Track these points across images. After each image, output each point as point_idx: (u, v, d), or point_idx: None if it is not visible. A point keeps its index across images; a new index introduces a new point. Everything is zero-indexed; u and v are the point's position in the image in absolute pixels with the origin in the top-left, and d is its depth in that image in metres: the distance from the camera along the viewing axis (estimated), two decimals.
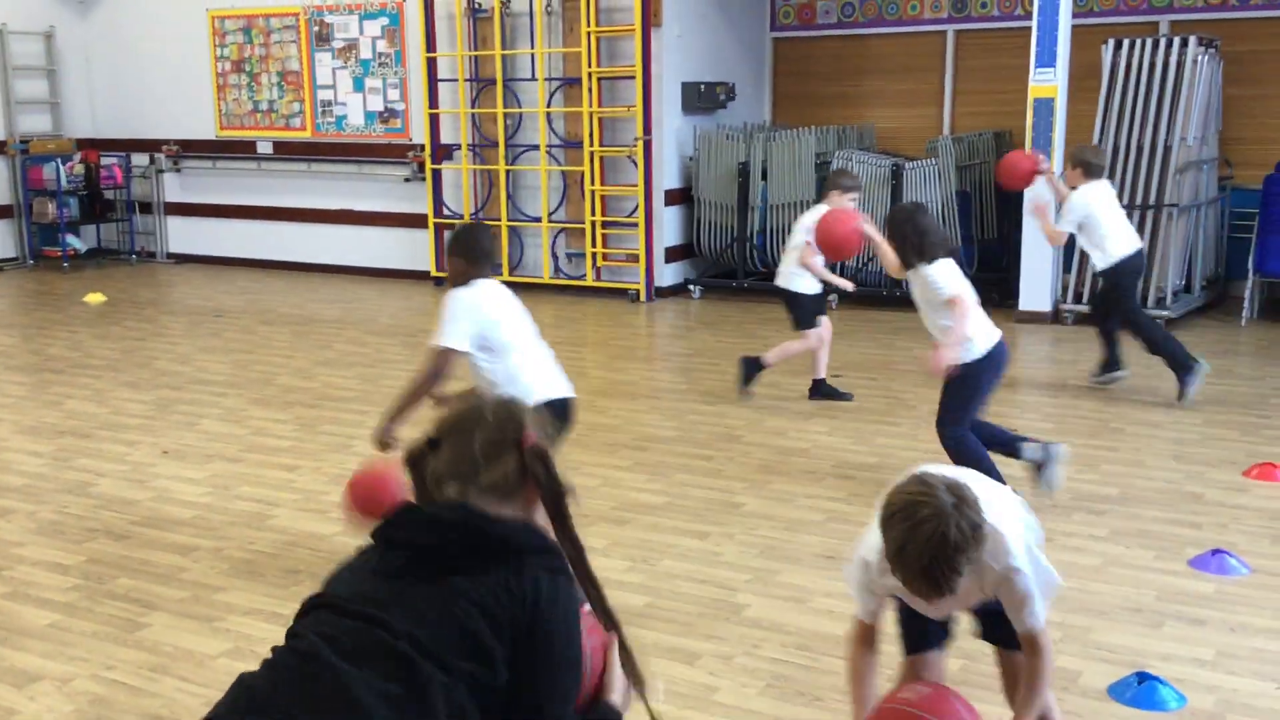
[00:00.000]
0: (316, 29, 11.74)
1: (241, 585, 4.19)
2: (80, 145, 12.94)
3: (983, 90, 10.39)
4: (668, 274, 10.41)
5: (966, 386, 4.68)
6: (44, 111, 12.91)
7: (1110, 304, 6.71)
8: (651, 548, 4.55)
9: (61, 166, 12.35)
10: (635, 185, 10.10)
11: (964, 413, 4.72)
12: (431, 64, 10.95)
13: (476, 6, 10.74)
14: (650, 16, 9.84)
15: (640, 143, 9.96)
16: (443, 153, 11.18)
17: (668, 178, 10.28)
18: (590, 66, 10.09)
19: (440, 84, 11.07)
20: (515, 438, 2.00)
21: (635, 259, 10.24)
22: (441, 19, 10.95)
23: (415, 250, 11.53)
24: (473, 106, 10.93)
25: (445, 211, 11.22)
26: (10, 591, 4.14)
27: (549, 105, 10.58)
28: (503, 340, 4.08)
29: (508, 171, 10.84)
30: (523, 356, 4.11)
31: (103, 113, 13.22)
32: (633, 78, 9.96)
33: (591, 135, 10.21)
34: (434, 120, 11.08)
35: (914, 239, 4.65)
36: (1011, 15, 10.20)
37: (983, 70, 10.40)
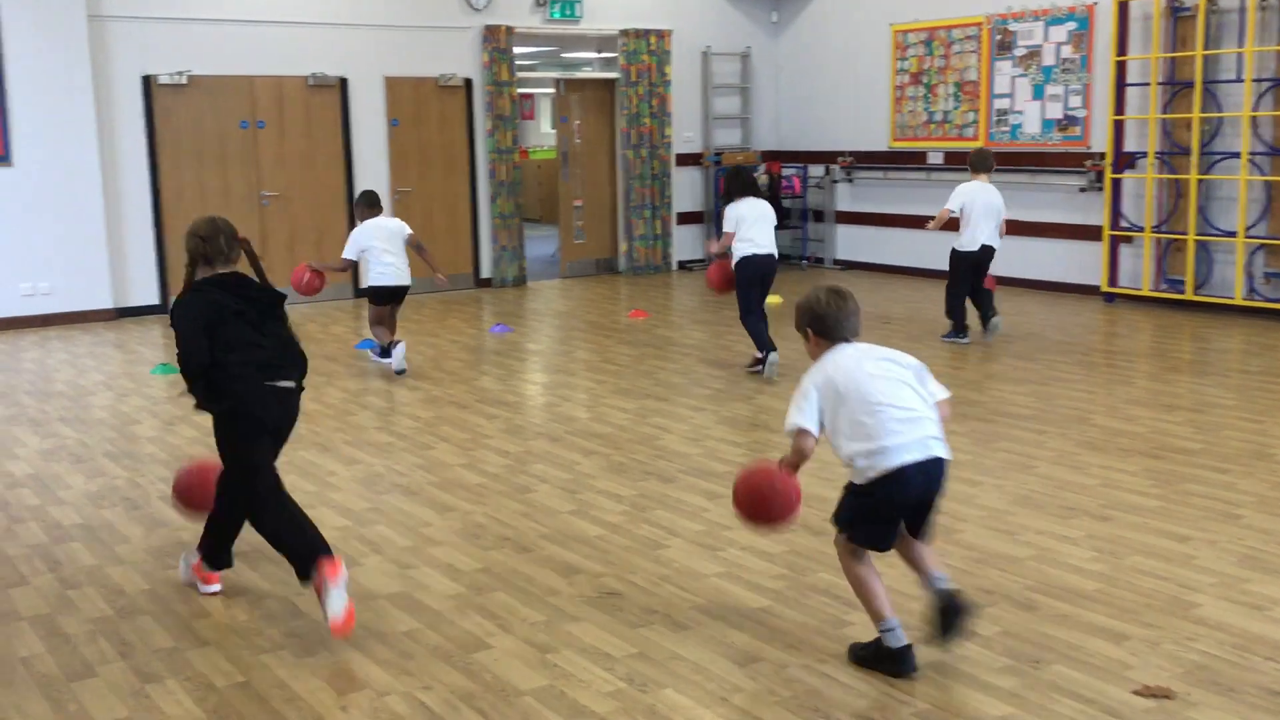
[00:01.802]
0: (999, 37, 11.61)
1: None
2: (765, 157, 13.94)
3: None
4: None
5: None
6: (736, 126, 14.07)
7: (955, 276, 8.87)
8: (1124, 544, 4.71)
9: None
10: None
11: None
12: (1120, 68, 10.38)
13: (1178, 5, 9.98)
14: None
15: None
16: (1125, 161, 10.56)
17: None
18: None
19: (1128, 89, 10.46)
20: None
21: None
22: (1136, 20, 10.33)
23: (1086, 263, 11.02)
24: (1164, 111, 10.20)
25: (1123, 223, 10.59)
26: (725, 572, 4.49)
27: (1255, 109, 9.57)
28: None
29: (1199, 181, 9.97)
30: None
31: (786, 126, 14.13)
32: None
33: None
34: (1118, 127, 10.50)
35: None
36: None
37: None
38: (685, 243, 13.91)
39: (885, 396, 3.53)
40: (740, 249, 7.72)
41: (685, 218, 13.84)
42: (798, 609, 4.12)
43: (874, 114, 12.96)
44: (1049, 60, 11.20)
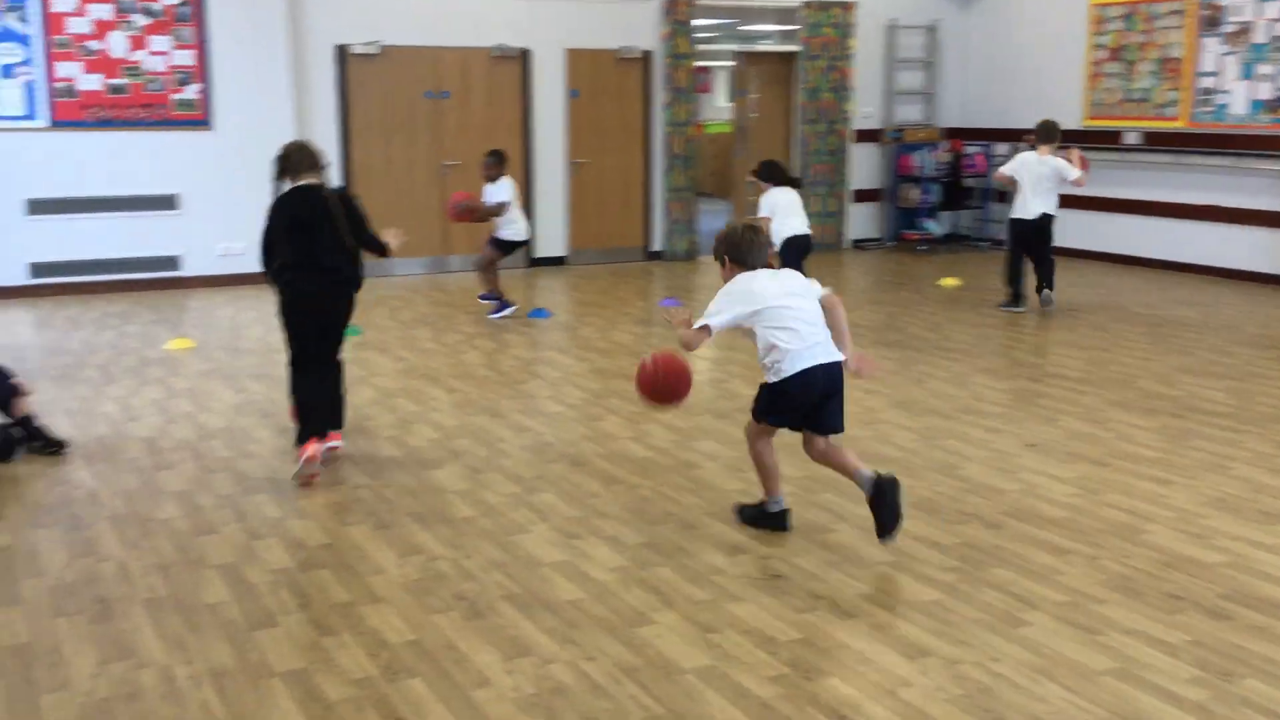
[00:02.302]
0: (1206, 13, 10.98)
1: (1120, 601, 4.00)
2: (947, 134, 13.54)
3: None
4: None
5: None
6: (918, 102, 13.71)
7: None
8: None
9: (929, 154, 13.03)
10: None
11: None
12: None
13: None
14: None
15: None
16: None
17: None
18: None
19: None
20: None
21: None
22: None
23: None
24: None
25: None
26: (895, 561, 4.38)
27: None
28: None
29: None
30: None
31: (971, 102, 13.69)
32: None
33: None
34: None
35: None
36: None
37: None
38: (861, 221, 13.64)
39: (796, 311, 4.39)
40: (780, 230, 8.41)
41: (862, 195, 13.57)
42: (971, 603, 3.99)
43: (1067, 91, 12.43)
44: (1260, 37, 10.52)
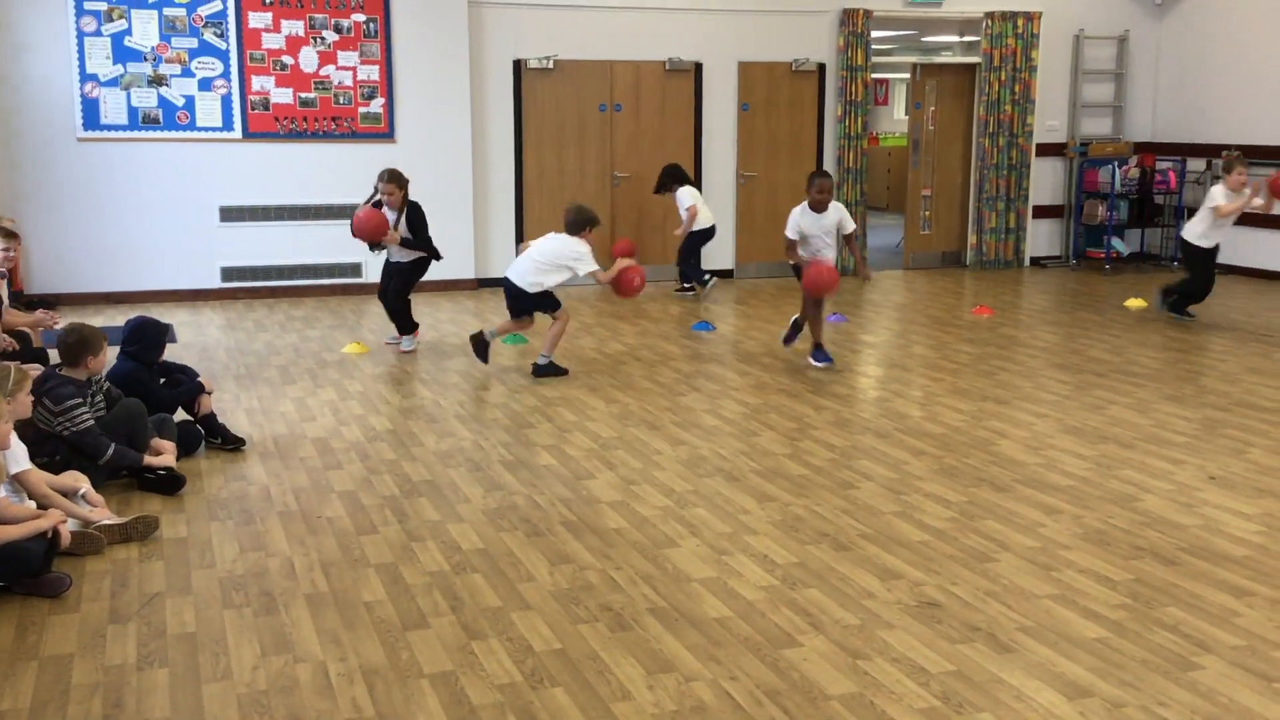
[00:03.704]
0: None
1: None
2: (1137, 149, 12.97)
3: None
4: None
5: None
6: (1106, 115, 13.17)
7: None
8: None
9: (1117, 169, 12.50)
10: None
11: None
12: None
13: None
14: None
15: None
16: None
17: None
18: None
19: None
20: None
21: None
22: None
23: None
24: None
25: None
26: (1059, 594, 4.18)
27: None
28: None
29: None
30: None
31: (1163, 116, 13.09)
32: None
33: None
34: None
35: None
36: None
37: None
38: (1041, 238, 13.18)
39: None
40: (705, 219, 10.75)
41: (1042, 211, 13.11)
42: (1139, 643, 3.77)
43: (1268, 104, 11.75)
44: None
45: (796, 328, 8.29)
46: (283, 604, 4.12)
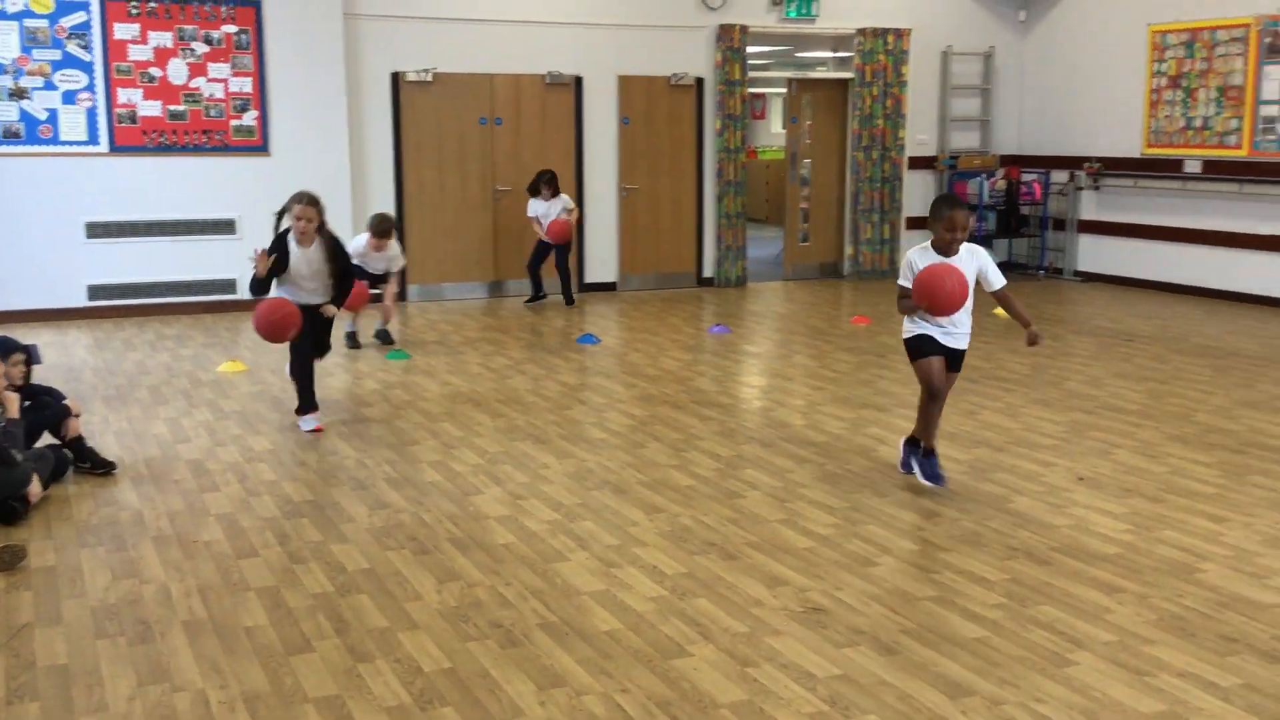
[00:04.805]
0: (1269, 40, 10.78)
1: (1171, 642, 3.88)
2: (1004, 161, 13.40)
3: None
4: None
5: None
6: (974, 129, 13.58)
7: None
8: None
9: (985, 182, 12.89)
10: None
11: None
12: None
13: None
14: None
15: None
16: None
17: None
18: None
19: None
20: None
21: None
22: None
23: None
24: None
25: None
26: (939, 596, 4.28)
27: None
28: None
29: None
30: None
31: (1028, 130, 13.55)
32: None
33: None
34: None
35: None
36: None
37: None
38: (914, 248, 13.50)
39: None
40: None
41: (915, 222, 13.45)
42: (1016, 641, 3.89)
43: (1126, 119, 12.26)
44: None
45: (913, 445, 5.66)
46: (159, 632, 4.00)
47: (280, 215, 6.71)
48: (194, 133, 10.50)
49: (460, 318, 10.58)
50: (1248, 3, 10.93)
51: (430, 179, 11.50)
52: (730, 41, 12.19)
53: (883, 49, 12.84)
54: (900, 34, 12.89)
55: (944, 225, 5.36)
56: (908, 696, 3.51)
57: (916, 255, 5.51)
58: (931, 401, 5.47)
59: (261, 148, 10.70)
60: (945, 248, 5.44)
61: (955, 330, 5.54)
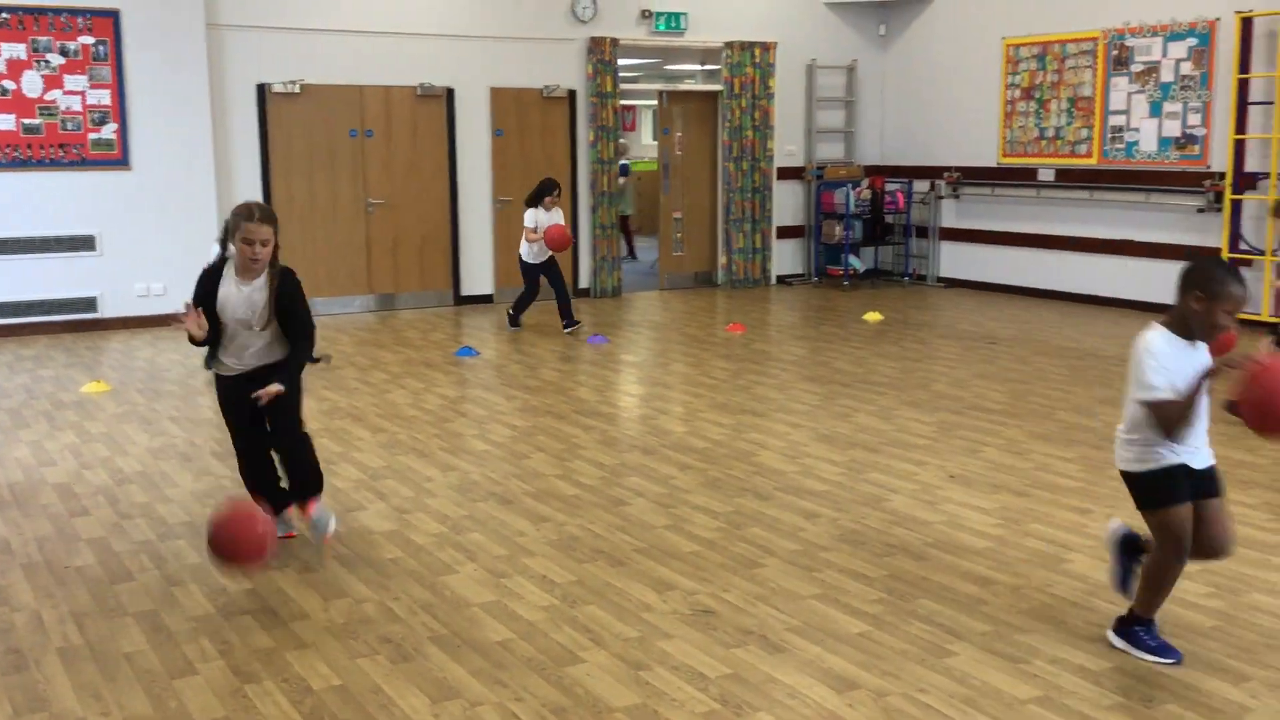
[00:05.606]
0: (1115, 53, 11.32)
1: (1044, 629, 4.05)
2: (868, 172, 13.77)
3: None
4: None
5: None
6: (839, 140, 13.93)
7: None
8: (1244, 580, 4.51)
9: (851, 192, 13.23)
10: None
11: None
12: (1243, 85, 10.06)
13: None
14: None
15: None
16: (1246, 182, 10.21)
17: None
18: None
19: (1251, 107, 10.11)
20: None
21: None
22: (1260, 37, 10.01)
23: None
24: None
25: (1242, 245, 10.24)
26: (822, 594, 4.40)
27: None
28: None
29: None
30: None
31: (890, 141, 13.95)
32: None
33: None
34: (1239, 146, 10.16)
35: None
36: None
37: None
38: (786, 257, 13.79)
39: None
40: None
41: (785, 231, 13.72)
42: (897, 635, 4.02)
43: (983, 129, 12.72)
44: (1167, 77, 10.87)
45: (1125, 574, 4.09)
46: (33, 660, 3.86)
47: (224, 242, 4.74)
48: (50, 146, 10.13)
49: (334, 332, 10.41)
50: (1096, 17, 11.46)
51: (300, 192, 11.31)
52: (601, 54, 12.28)
53: (750, 62, 13.08)
54: (767, 47, 13.15)
55: (1226, 305, 3.64)
56: (797, 693, 3.60)
57: (1161, 342, 3.73)
58: (1179, 563, 3.80)
59: (122, 161, 10.39)
60: (1207, 333, 3.73)
61: (1200, 444, 3.85)
